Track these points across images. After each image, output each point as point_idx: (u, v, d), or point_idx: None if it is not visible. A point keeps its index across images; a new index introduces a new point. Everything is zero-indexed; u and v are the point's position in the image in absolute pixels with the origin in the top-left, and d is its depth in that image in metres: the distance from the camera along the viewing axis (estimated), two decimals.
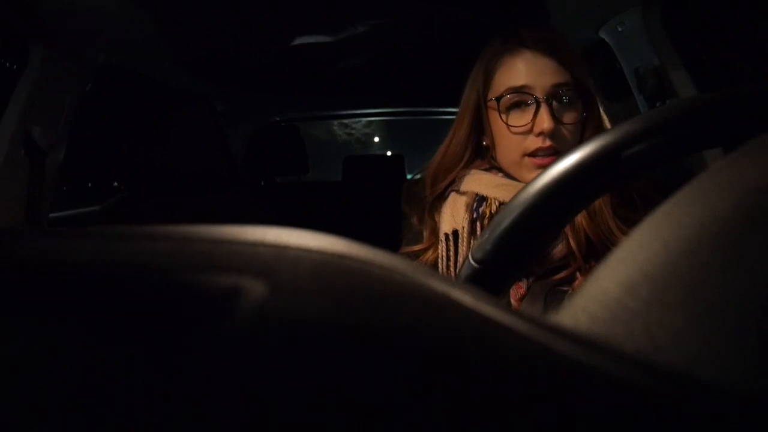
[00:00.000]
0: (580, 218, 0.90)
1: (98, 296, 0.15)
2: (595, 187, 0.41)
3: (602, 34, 1.48)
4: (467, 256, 0.46)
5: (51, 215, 1.60)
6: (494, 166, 1.01)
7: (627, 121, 0.40)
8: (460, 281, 0.46)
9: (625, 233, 0.88)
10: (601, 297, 0.18)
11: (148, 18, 1.42)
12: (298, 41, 1.66)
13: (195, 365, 0.13)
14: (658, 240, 0.19)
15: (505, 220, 0.43)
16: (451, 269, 0.95)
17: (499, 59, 0.98)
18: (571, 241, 0.89)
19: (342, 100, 2.72)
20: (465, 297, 0.15)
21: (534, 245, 0.44)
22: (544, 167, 0.94)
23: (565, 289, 0.88)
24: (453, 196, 1.00)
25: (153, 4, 1.35)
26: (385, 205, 1.26)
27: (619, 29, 1.41)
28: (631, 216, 0.91)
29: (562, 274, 0.89)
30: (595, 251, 0.89)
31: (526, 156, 0.94)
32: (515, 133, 0.94)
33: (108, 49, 1.57)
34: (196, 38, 1.60)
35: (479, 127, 1.02)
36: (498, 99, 0.95)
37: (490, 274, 0.45)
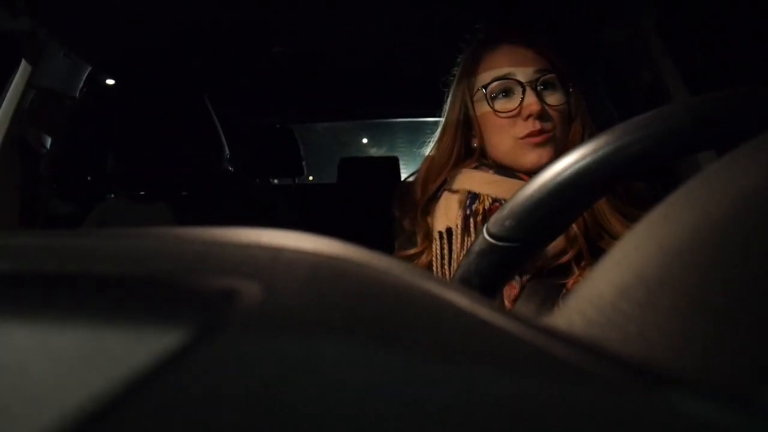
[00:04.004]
0: None
1: (93, 298, 0.15)
2: (627, 169, 0.39)
3: (599, 39, 1.49)
4: (481, 231, 0.45)
5: (47, 214, 1.60)
6: (483, 164, 1.02)
7: (666, 106, 0.39)
8: (471, 257, 0.45)
9: (619, 222, 0.90)
10: (595, 299, 0.18)
11: (145, 19, 1.42)
12: (294, 44, 1.66)
13: (190, 367, 0.13)
14: (653, 242, 0.19)
15: (531, 194, 0.41)
16: (446, 268, 0.95)
17: (481, 56, 1.02)
18: (574, 225, 0.89)
19: (340, 103, 2.72)
20: (461, 299, 0.15)
21: (556, 224, 0.43)
22: (539, 146, 0.96)
23: (560, 287, 0.88)
24: (445, 195, 1.00)
25: (150, 6, 1.35)
26: (380, 208, 1.26)
27: (615, 33, 1.42)
28: (623, 208, 0.92)
29: (563, 259, 0.89)
30: (590, 239, 0.90)
31: (519, 140, 0.96)
32: (504, 118, 0.96)
33: (104, 51, 1.56)
34: (191, 40, 1.60)
35: (467, 126, 1.04)
36: (485, 87, 0.98)
37: (505, 251, 0.43)
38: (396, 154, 2.93)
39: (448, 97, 1.09)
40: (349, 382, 0.12)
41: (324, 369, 0.13)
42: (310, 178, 4.56)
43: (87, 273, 0.16)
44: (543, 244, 0.46)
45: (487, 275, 0.45)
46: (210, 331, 0.13)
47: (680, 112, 0.39)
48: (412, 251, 1.00)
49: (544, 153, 0.95)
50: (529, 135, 0.94)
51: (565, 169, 0.40)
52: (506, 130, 0.97)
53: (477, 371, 0.13)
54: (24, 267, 0.16)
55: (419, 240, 1.01)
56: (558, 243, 0.90)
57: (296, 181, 2.79)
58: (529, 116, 0.94)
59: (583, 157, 0.39)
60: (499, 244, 0.43)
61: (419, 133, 1.23)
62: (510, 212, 0.42)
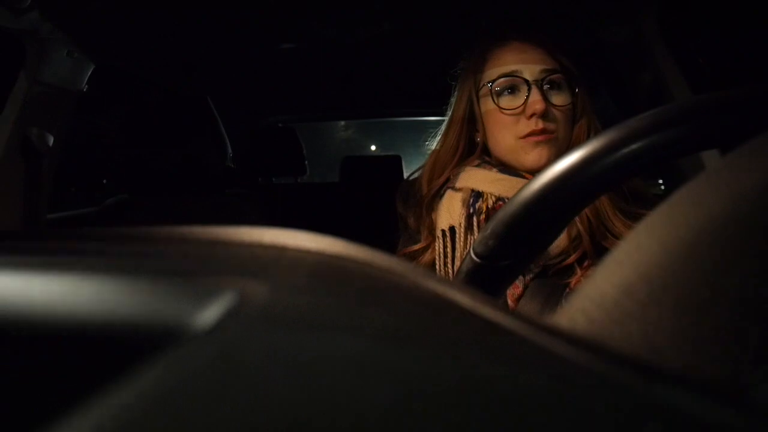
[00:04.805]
0: None
1: (96, 299, 0.15)
2: (604, 182, 0.39)
3: (600, 38, 1.49)
4: (468, 250, 0.45)
5: (49, 216, 1.60)
6: (486, 161, 1.03)
7: (637, 117, 0.39)
8: (460, 276, 0.45)
9: (621, 222, 0.90)
10: (598, 299, 0.18)
11: (147, 18, 1.42)
12: (296, 43, 1.66)
13: (193, 365, 0.13)
14: (656, 242, 0.19)
15: (510, 214, 0.41)
16: (449, 266, 0.95)
17: (489, 52, 1.02)
18: (578, 224, 0.89)
19: (340, 102, 2.72)
20: (463, 298, 0.15)
21: (539, 241, 0.43)
22: (540, 144, 0.96)
23: (563, 286, 0.88)
24: (449, 193, 1.01)
25: (151, 5, 1.35)
26: (383, 206, 1.26)
27: (616, 33, 1.42)
28: (625, 207, 0.92)
29: (569, 260, 0.89)
30: (594, 238, 0.90)
31: (520, 139, 0.96)
32: (508, 115, 0.97)
33: (106, 50, 1.56)
34: (194, 38, 1.60)
35: (471, 123, 1.05)
36: (491, 83, 0.98)
37: (491, 270, 0.43)
38: (404, 158, 2.92)
39: (454, 92, 1.09)
40: (352, 379, 0.12)
41: (327, 367, 0.13)
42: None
43: (92, 272, 0.16)
44: (529, 260, 0.46)
45: None
46: (213, 329, 0.13)
47: (673, 114, 0.38)
48: (416, 247, 1.01)
49: (544, 152, 0.95)
50: (531, 134, 0.94)
51: (544, 185, 0.39)
52: (509, 128, 0.97)
53: (480, 369, 0.13)
54: (26, 267, 0.16)
55: (423, 236, 1.01)
56: (561, 242, 0.90)
57: (298, 180, 2.79)
58: (532, 115, 0.94)
59: (560, 174, 0.39)
60: (486, 263, 0.43)
61: (424, 135, 1.23)
62: (492, 232, 0.42)
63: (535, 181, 0.40)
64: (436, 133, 1.15)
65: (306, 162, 2.64)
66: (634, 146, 0.38)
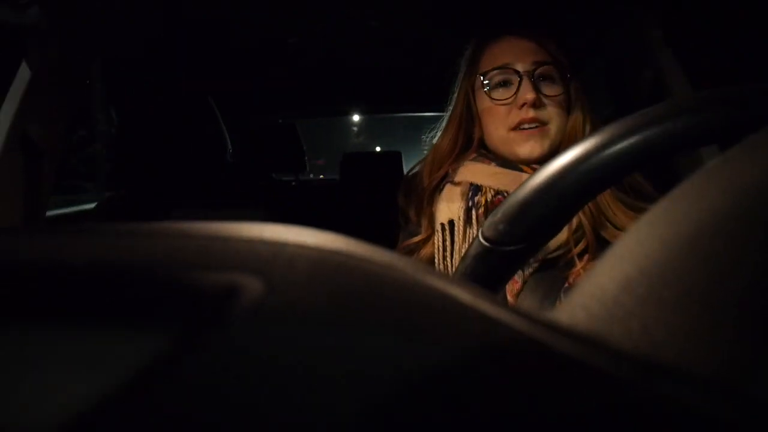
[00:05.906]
0: None
1: (95, 295, 0.15)
2: (617, 169, 0.39)
3: (601, 36, 1.48)
4: (477, 234, 0.45)
5: (48, 213, 1.60)
6: (483, 154, 1.04)
7: (656, 105, 0.39)
8: (467, 260, 0.45)
9: (622, 211, 0.91)
10: (598, 294, 0.18)
11: (147, 16, 1.42)
12: (297, 39, 1.66)
13: (192, 362, 0.13)
14: (656, 237, 0.19)
15: (522, 198, 0.41)
16: (448, 260, 0.96)
17: (484, 47, 1.05)
18: (580, 215, 0.90)
19: (340, 99, 2.72)
20: (463, 294, 0.15)
21: (549, 227, 0.43)
22: (533, 137, 0.98)
23: (562, 281, 0.88)
24: (448, 187, 1.02)
25: (152, 2, 1.34)
26: (383, 203, 1.26)
27: (618, 33, 1.42)
28: (625, 198, 0.93)
29: (574, 251, 0.89)
30: (595, 229, 0.91)
31: (512, 131, 0.98)
32: (500, 105, 0.99)
33: (107, 46, 1.56)
34: (194, 36, 1.60)
35: (469, 117, 1.06)
36: (483, 75, 1.01)
37: (499, 255, 0.43)
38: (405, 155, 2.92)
39: (454, 89, 1.11)
40: (350, 375, 0.12)
41: (326, 363, 0.13)
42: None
43: (88, 269, 0.16)
44: (539, 245, 0.46)
45: (484, 278, 0.45)
46: (212, 326, 0.13)
47: (674, 109, 0.38)
48: (416, 239, 1.01)
49: (536, 145, 0.97)
50: (522, 122, 0.96)
51: (557, 172, 0.40)
52: (502, 120, 0.99)
53: (479, 366, 0.13)
54: (23, 264, 0.16)
55: (423, 227, 1.02)
56: (560, 235, 0.90)
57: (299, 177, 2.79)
58: (523, 104, 0.96)
59: (575, 160, 0.39)
60: (495, 247, 0.43)
61: (423, 131, 1.25)
62: (503, 216, 0.42)
63: (549, 166, 0.40)
64: (435, 127, 1.17)
65: (306, 158, 2.64)
66: (650, 132, 0.38)
